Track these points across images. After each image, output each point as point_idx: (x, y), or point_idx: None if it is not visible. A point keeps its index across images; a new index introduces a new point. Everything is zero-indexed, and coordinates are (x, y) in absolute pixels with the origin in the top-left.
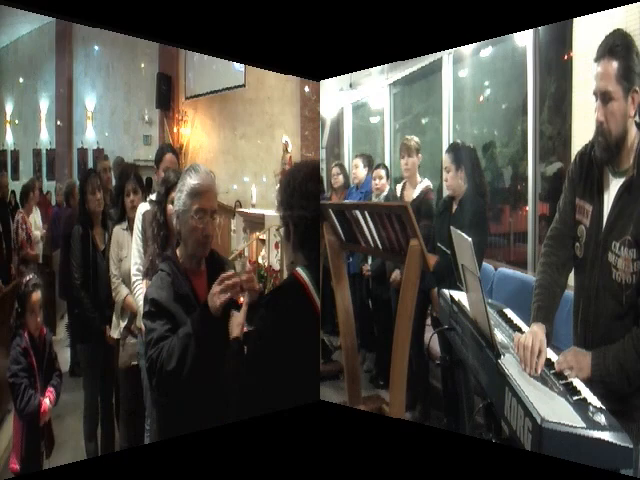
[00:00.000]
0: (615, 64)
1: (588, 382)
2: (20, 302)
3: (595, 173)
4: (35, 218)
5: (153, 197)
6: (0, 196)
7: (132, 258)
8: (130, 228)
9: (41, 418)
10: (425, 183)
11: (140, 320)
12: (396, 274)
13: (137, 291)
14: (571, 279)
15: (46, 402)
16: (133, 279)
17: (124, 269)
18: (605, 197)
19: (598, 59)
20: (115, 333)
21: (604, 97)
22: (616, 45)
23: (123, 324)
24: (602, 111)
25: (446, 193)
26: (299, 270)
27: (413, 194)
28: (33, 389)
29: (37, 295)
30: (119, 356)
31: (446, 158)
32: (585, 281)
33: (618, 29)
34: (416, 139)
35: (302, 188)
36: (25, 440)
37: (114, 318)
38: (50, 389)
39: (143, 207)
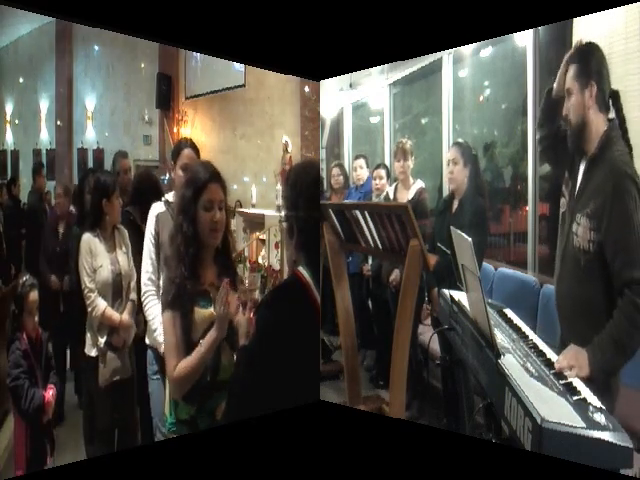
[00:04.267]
0: (573, 67)
1: (589, 381)
2: (17, 303)
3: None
4: None
5: (170, 197)
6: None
7: (143, 265)
8: (102, 234)
9: (46, 411)
10: (419, 184)
11: (124, 332)
12: (395, 274)
13: (148, 304)
14: None
15: (49, 396)
16: (144, 289)
17: (100, 279)
18: (578, 176)
19: (566, 65)
20: (92, 351)
21: (568, 93)
22: (573, 54)
23: (102, 340)
24: (566, 105)
25: (448, 188)
26: (301, 269)
27: (408, 195)
28: (35, 387)
29: (34, 295)
30: (100, 374)
31: (454, 151)
32: (559, 245)
33: (588, 44)
34: (410, 142)
35: (309, 191)
36: (30, 441)
37: (89, 335)
38: (50, 386)
39: (157, 207)
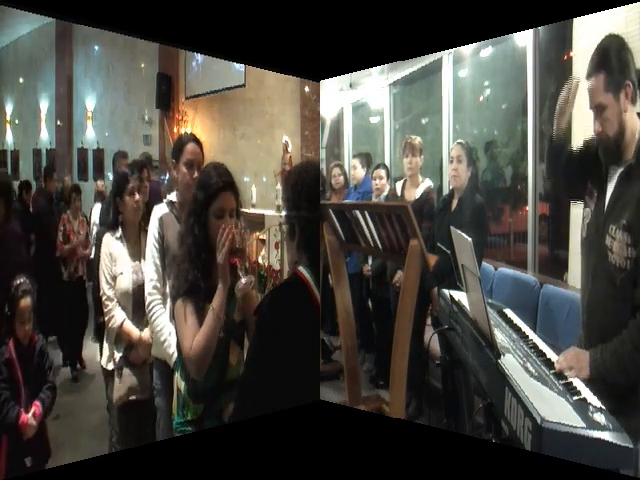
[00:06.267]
0: (602, 75)
1: (588, 382)
2: (9, 307)
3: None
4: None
5: (172, 197)
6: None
7: (147, 272)
8: (125, 237)
9: (22, 432)
10: (427, 183)
11: (144, 350)
12: (399, 275)
13: (155, 314)
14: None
15: (27, 416)
16: (149, 299)
17: (120, 288)
18: (609, 184)
19: (589, 76)
20: (109, 364)
21: (598, 109)
22: (601, 56)
23: (119, 354)
24: (598, 122)
25: (449, 186)
26: (301, 269)
27: (415, 194)
28: (14, 401)
29: (26, 302)
30: (114, 389)
31: (459, 149)
32: (585, 260)
33: (604, 41)
34: (419, 139)
35: (310, 191)
36: (6, 454)
37: (106, 346)
38: (37, 403)
39: (159, 210)
